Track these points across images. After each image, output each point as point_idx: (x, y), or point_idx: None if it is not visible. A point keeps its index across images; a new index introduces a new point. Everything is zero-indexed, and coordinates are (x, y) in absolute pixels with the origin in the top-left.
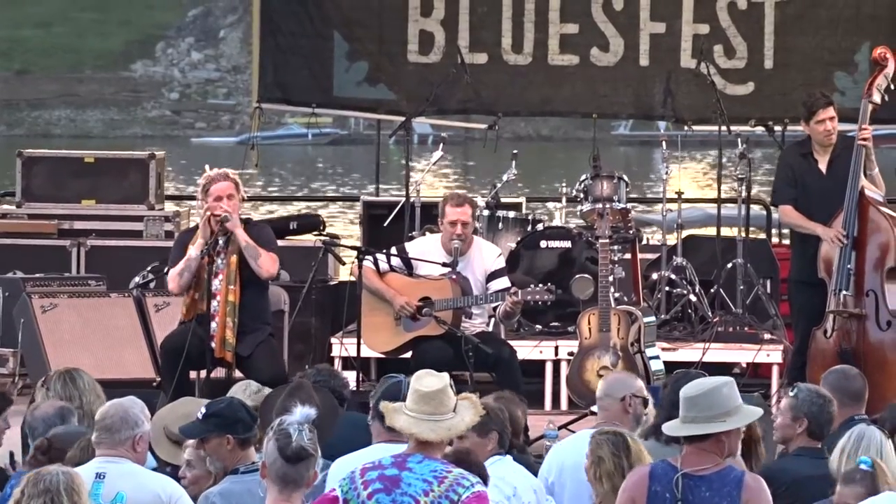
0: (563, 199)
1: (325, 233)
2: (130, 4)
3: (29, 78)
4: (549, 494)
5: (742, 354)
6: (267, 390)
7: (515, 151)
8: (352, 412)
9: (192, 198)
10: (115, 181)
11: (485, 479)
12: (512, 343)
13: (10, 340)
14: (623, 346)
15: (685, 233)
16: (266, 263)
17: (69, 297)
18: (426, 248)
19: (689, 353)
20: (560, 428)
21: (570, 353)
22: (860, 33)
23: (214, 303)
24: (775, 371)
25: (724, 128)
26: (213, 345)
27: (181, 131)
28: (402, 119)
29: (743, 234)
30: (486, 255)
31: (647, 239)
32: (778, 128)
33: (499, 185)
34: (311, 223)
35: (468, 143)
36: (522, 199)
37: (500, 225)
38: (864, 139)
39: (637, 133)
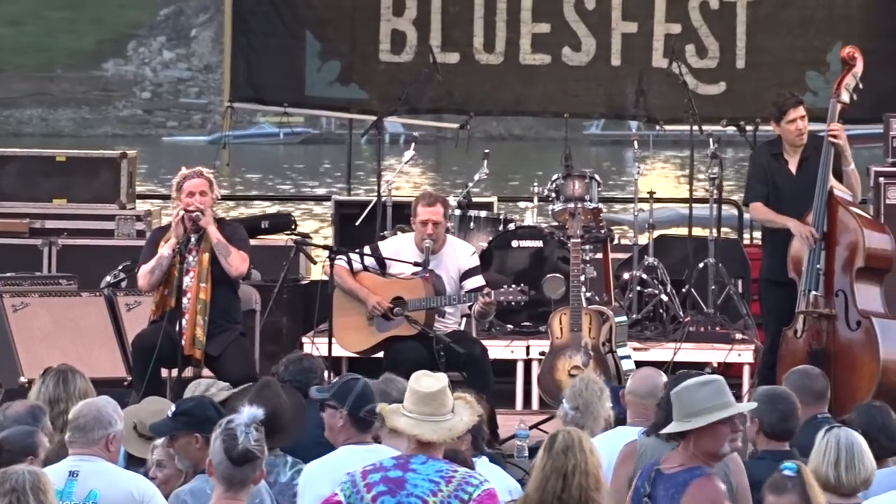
0: (535, 199)
1: (296, 232)
2: (102, 3)
3: (0, 77)
4: None
5: (713, 354)
6: (220, 386)
7: (487, 151)
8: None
9: (165, 197)
10: (87, 180)
11: None
12: (483, 342)
13: None
14: (594, 345)
15: (657, 232)
16: (236, 262)
17: (40, 296)
18: (399, 247)
19: (660, 352)
20: (531, 427)
21: (542, 353)
22: (832, 33)
23: (185, 300)
24: (746, 371)
25: (695, 127)
26: (182, 342)
27: (153, 130)
28: (374, 118)
29: (714, 234)
30: (460, 254)
31: (619, 238)
32: (749, 128)
33: (470, 185)
34: (282, 222)
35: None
36: (494, 199)
37: (472, 224)
38: (834, 136)
39: (609, 133)
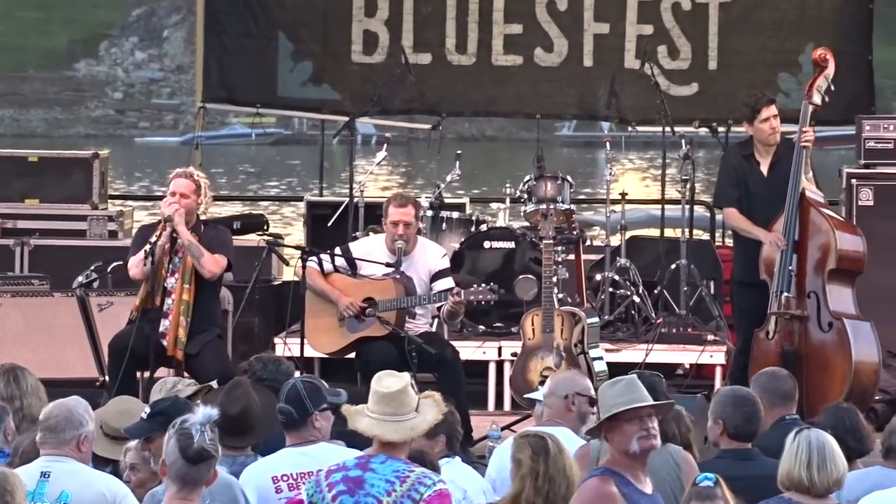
0: (507, 200)
1: (268, 233)
2: (74, 3)
3: None
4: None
5: (685, 355)
6: (185, 383)
7: (459, 152)
8: None
9: (137, 198)
10: (59, 180)
11: None
12: (455, 343)
13: None
14: (566, 346)
15: (629, 234)
16: (209, 263)
17: (12, 296)
18: (370, 248)
19: (632, 354)
20: (503, 429)
21: (514, 354)
22: (804, 35)
23: (169, 300)
24: (718, 372)
25: (667, 129)
26: (164, 342)
27: (125, 131)
28: (346, 119)
29: (686, 236)
30: (431, 255)
31: (591, 240)
32: (722, 129)
33: (442, 186)
34: (254, 223)
35: (412, 143)
36: (466, 200)
37: (444, 225)
38: (807, 140)
39: (580, 134)
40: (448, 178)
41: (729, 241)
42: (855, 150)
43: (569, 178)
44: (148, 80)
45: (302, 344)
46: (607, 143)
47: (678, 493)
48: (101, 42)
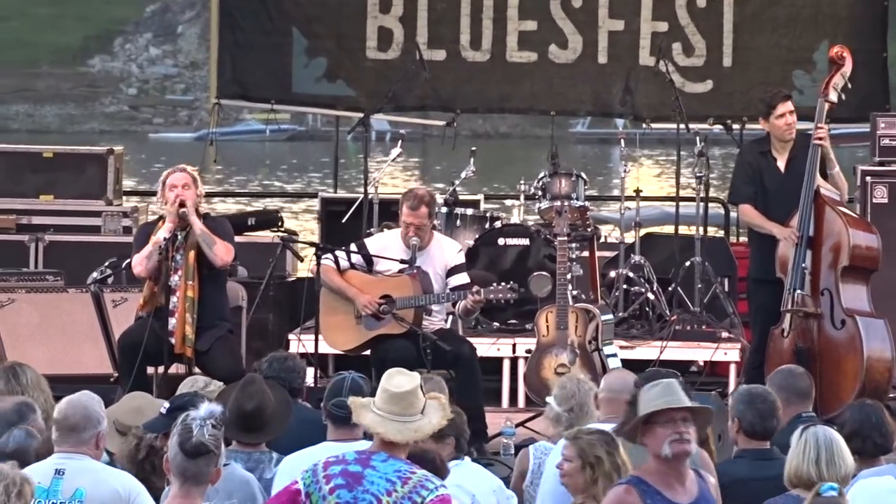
0: (522, 197)
1: (283, 229)
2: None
3: None
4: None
5: (699, 353)
6: (214, 385)
7: (474, 149)
8: (308, 408)
9: (151, 193)
10: (74, 176)
11: (443, 478)
12: (470, 340)
13: None
14: (581, 343)
15: (643, 231)
16: (221, 252)
17: (27, 292)
18: (386, 244)
19: (646, 351)
20: (517, 425)
21: (528, 351)
22: (819, 32)
23: (174, 298)
24: (733, 369)
25: (682, 126)
26: (172, 341)
27: (139, 127)
28: (361, 116)
29: (701, 233)
30: (447, 251)
31: (605, 237)
32: (736, 126)
33: (457, 183)
34: (268, 219)
35: (426, 140)
36: (480, 197)
37: (458, 222)
38: (820, 138)
39: (595, 131)
40: (462, 175)
41: (743, 238)
42: (869, 148)
43: (583, 175)
44: (162, 76)
45: (316, 340)
46: (622, 141)
47: None
48: (116, 38)
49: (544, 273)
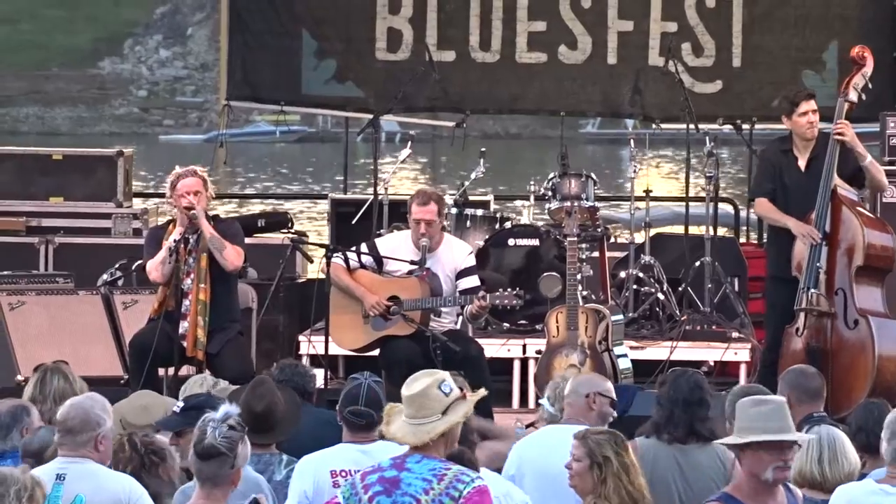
0: (532, 197)
1: (293, 230)
2: (98, 2)
3: None
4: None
5: (710, 353)
6: (221, 386)
7: (483, 149)
8: (319, 409)
9: (160, 195)
10: (83, 178)
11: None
12: (480, 341)
13: None
14: (591, 344)
15: (653, 231)
16: (231, 255)
17: (37, 294)
18: (396, 245)
19: (656, 351)
20: (528, 426)
21: (538, 352)
22: (828, 32)
23: (186, 302)
24: (743, 369)
25: (691, 126)
26: (184, 344)
27: (149, 129)
28: (370, 117)
29: (711, 233)
30: (457, 253)
31: (615, 237)
32: (746, 126)
33: (467, 183)
34: (278, 221)
35: (436, 140)
36: (490, 197)
37: (468, 223)
38: (840, 133)
39: (604, 131)
40: (472, 176)
41: (753, 239)
42: (879, 148)
43: (593, 175)
44: (172, 78)
45: (326, 341)
46: (631, 141)
47: None
48: (126, 40)
49: (554, 274)
